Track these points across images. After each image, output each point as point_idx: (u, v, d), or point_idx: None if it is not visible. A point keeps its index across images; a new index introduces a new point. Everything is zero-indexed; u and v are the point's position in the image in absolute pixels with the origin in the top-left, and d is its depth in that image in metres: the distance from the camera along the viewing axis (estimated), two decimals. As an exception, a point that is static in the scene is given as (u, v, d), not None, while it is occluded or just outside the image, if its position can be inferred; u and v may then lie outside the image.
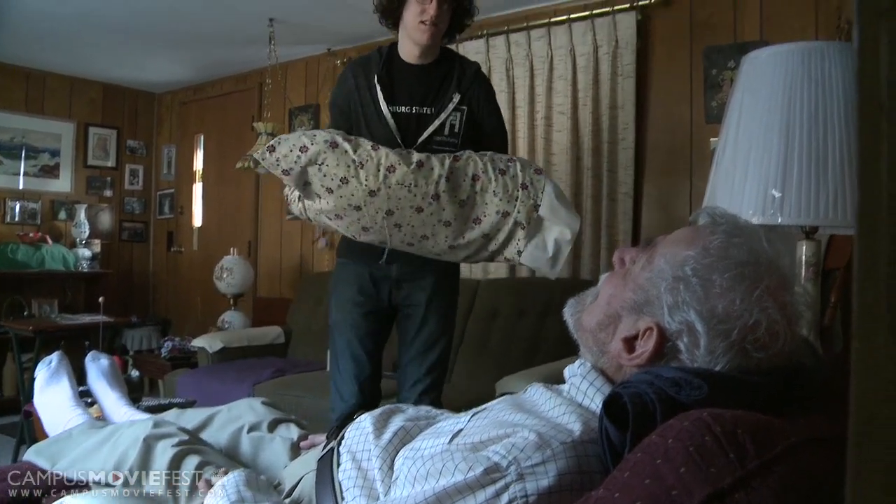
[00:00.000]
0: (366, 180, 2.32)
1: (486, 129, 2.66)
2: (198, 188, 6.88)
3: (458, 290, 2.82)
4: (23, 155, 6.26)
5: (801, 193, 1.81)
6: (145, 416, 2.14)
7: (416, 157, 2.40)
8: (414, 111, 2.56)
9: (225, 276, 5.55)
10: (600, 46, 4.24)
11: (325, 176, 2.35)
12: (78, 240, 6.37)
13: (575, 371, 1.14)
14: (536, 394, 1.17)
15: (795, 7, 3.74)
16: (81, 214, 6.38)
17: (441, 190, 2.35)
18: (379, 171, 2.33)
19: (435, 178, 2.36)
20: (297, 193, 2.49)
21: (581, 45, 4.29)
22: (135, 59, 6.05)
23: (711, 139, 3.92)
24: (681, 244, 1.06)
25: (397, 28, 2.60)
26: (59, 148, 6.52)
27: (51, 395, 2.23)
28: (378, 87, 2.56)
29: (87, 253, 6.35)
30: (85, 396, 2.41)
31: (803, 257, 2.03)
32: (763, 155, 1.86)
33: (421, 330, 2.68)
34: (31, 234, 6.07)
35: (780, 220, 1.82)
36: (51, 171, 6.48)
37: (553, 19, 4.42)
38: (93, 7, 4.69)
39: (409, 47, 2.58)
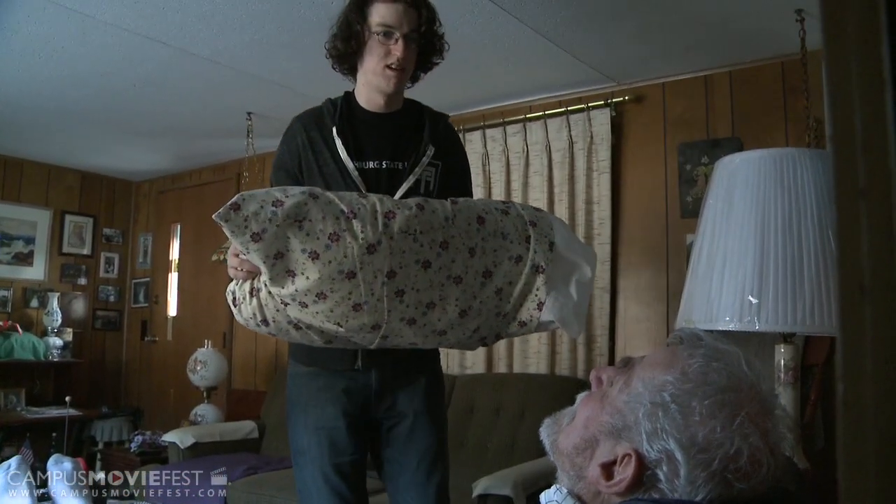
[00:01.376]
0: (362, 233, 1.79)
1: (457, 191, 2.22)
2: (173, 278, 6.82)
3: (444, 394, 2.40)
4: (-4, 242, 6.21)
5: (779, 300, 1.81)
6: (108, 525, 2.07)
7: (412, 201, 1.91)
8: (385, 166, 2.14)
9: (199, 368, 5.46)
10: (576, 142, 4.30)
11: (308, 235, 1.77)
12: (49, 328, 6.27)
13: (551, 497, 1.10)
14: None
15: (766, 105, 3.84)
16: (54, 302, 6.30)
17: (450, 235, 1.87)
18: (377, 219, 1.81)
19: (441, 220, 1.88)
20: (248, 287, 1.90)
21: (556, 141, 4.36)
22: (113, 149, 6.07)
23: (687, 234, 3.95)
24: (658, 367, 1.04)
25: (354, 74, 2.21)
26: (34, 235, 6.47)
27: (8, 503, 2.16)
28: (338, 141, 2.12)
29: (58, 342, 6.24)
30: (47, 500, 2.33)
31: (782, 361, 2.02)
32: (739, 261, 1.87)
33: (414, 446, 2.19)
34: (0, 323, 5.97)
35: (757, 326, 1.81)
36: (24, 259, 6.41)
37: (528, 115, 4.50)
38: (72, 99, 4.72)
39: (371, 95, 2.17)
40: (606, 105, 4.24)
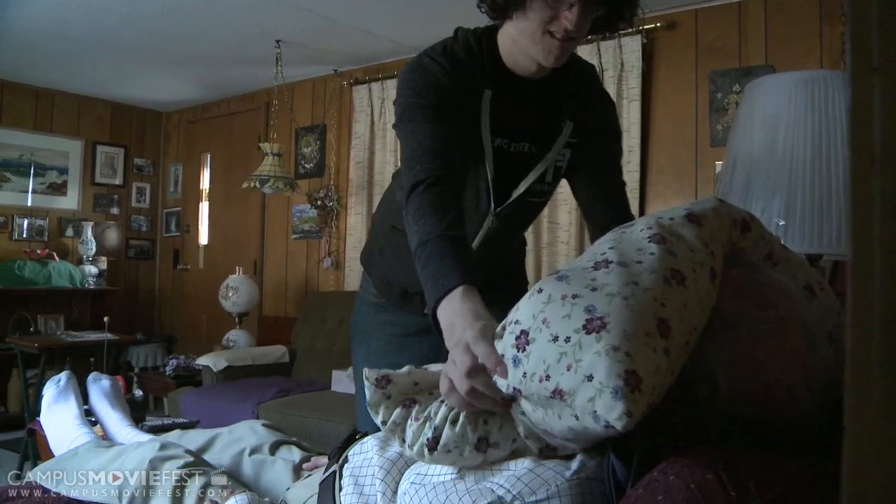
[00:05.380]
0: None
1: (598, 176, 1.74)
2: (204, 207, 6.91)
3: None
4: (31, 172, 6.30)
5: (805, 222, 1.82)
6: (149, 437, 2.15)
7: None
8: (522, 149, 1.64)
9: (230, 294, 5.56)
10: (606, 70, 4.26)
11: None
12: (84, 257, 6.41)
13: None
14: None
15: (800, 31, 3.76)
16: (88, 232, 6.42)
17: None
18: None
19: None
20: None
21: (587, 68, 4.31)
22: (143, 79, 6.10)
23: (717, 162, 3.93)
24: None
25: (503, 20, 1.54)
26: (66, 166, 6.56)
27: (58, 413, 2.25)
28: (486, 109, 1.57)
29: (93, 270, 6.38)
30: (88, 416, 2.42)
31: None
32: (767, 183, 1.87)
33: None
34: (38, 251, 6.10)
35: (783, 247, 1.83)
36: (58, 189, 6.51)
37: (559, 42, 4.44)
38: (101, 28, 4.73)
39: (521, 60, 1.57)
40: (637, 32, 4.18)
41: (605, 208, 1.73)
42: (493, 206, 1.64)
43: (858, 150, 0.41)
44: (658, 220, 1.05)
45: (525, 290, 1.90)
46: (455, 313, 1.16)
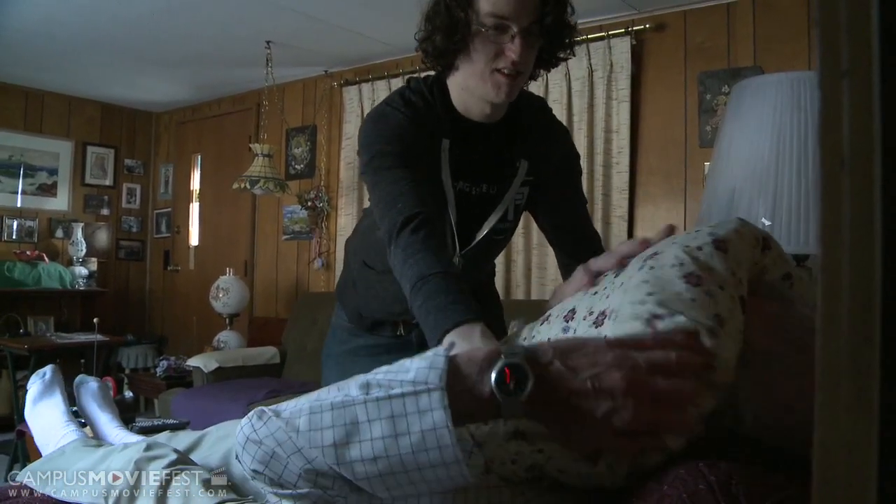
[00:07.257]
0: None
1: (560, 205, 1.78)
2: (195, 207, 6.90)
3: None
4: (21, 173, 6.28)
5: (791, 222, 1.83)
6: (138, 438, 2.15)
7: None
8: (483, 190, 1.69)
9: (221, 295, 5.56)
10: (595, 70, 4.28)
11: None
12: (75, 258, 6.39)
13: None
14: None
15: (789, 33, 3.78)
16: (78, 233, 6.40)
17: None
18: None
19: None
20: None
21: (576, 69, 4.33)
22: (133, 79, 6.09)
23: (706, 163, 3.95)
24: None
25: (450, 69, 1.61)
26: (56, 167, 6.54)
27: (43, 409, 2.23)
28: (446, 156, 1.62)
29: (83, 271, 6.36)
30: (77, 417, 2.41)
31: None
32: (753, 183, 1.89)
33: None
34: (27, 252, 6.09)
35: (769, 247, 1.84)
36: (48, 190, 6.50)
37: (549, 43, 4.45)
38: (92, 28, 4.73)
39: (472, 103, 1.62)
40: (627, 33, 4.20)
41: (568, 232, 1.79)
42: (458, 248, 1.68)
43: (828, 151, 0.42)
44: (686, 250, 1.00)
45: (496, 306, 2.00)
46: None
